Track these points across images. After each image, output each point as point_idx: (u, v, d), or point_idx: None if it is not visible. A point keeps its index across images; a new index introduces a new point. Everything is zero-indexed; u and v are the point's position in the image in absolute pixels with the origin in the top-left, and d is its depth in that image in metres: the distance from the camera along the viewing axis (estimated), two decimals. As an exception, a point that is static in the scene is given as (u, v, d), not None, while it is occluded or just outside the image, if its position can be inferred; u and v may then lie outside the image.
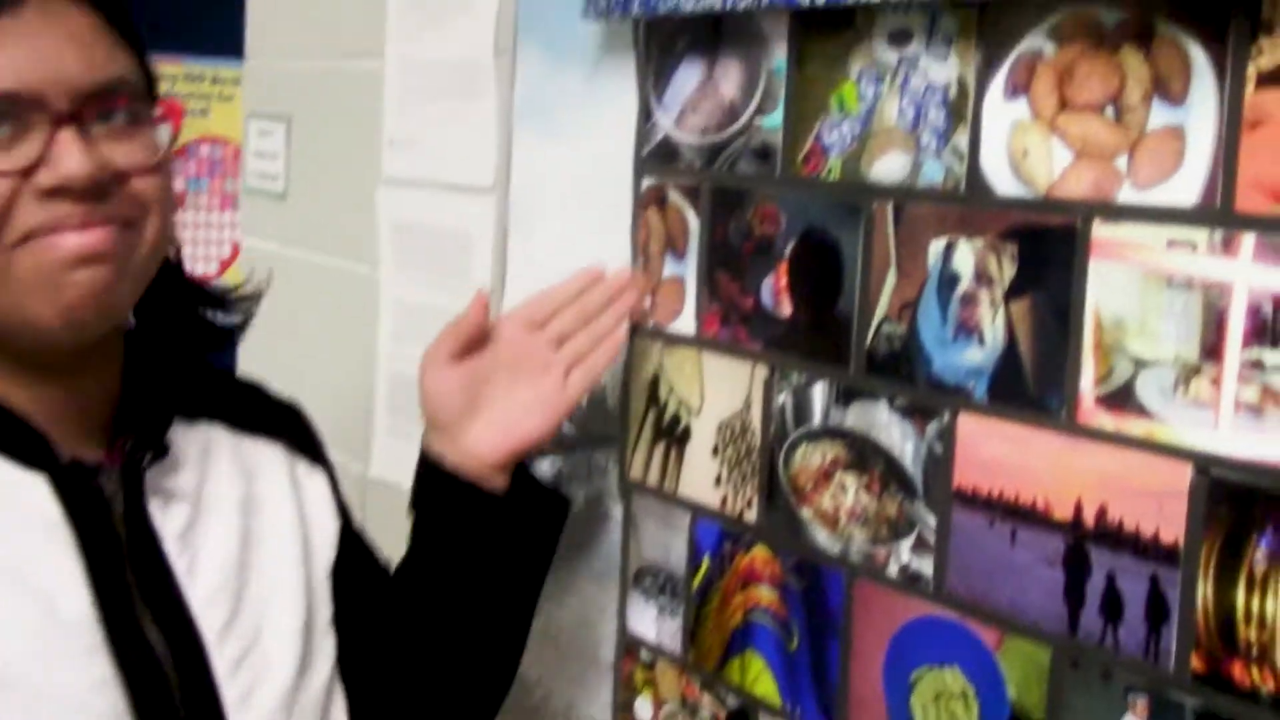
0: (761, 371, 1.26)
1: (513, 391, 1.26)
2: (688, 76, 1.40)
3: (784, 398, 1.30)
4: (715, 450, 1.36)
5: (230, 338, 1.19)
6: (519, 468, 1.27)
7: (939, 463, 1.17)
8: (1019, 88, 1.09)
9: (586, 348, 1.30)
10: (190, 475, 1.07)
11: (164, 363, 1.12)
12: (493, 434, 1.24)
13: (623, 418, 1.39)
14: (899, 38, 1.19)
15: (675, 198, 1.41)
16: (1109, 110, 1.04)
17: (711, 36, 1.37)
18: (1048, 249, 1.08)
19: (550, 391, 1.27)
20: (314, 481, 1.21)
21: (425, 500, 1.26)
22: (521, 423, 1.25)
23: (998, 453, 1.12)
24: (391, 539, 1.31)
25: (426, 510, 1.26)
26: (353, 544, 1.24)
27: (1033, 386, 1.10)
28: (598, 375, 1.31)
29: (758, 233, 1.33)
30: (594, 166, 1.51)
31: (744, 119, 1.34)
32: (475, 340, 1.26)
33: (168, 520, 1.04)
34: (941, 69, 1.15)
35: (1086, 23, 1.05)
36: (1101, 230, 1.04)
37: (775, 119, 1.30)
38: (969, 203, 1.13)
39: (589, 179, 1.52)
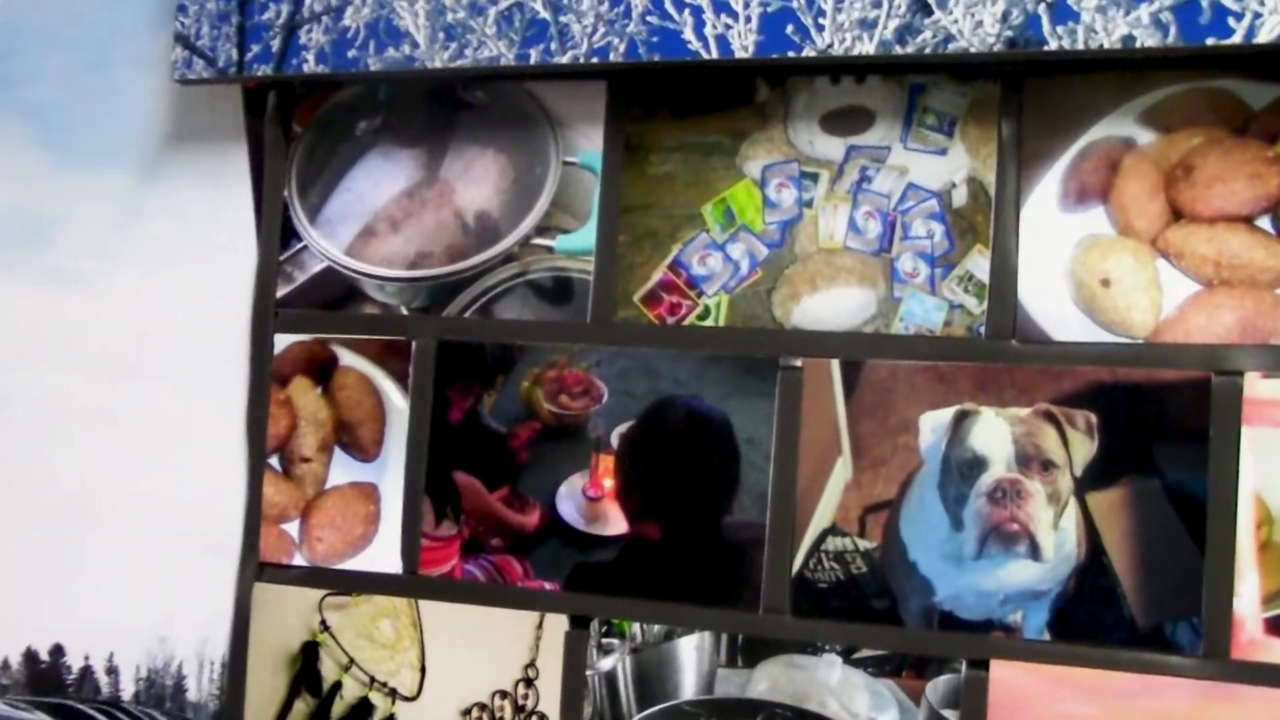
0: (557, 624, 0.78)
1: None
2: (379, 175, 0.90)
3: (614, 661, 0.82)
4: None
5: None
6: None
7: (954, 746, 0.77)
8: (1089, 191, 0.78)
9: None
10: None
11: None
12: None
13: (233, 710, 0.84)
14: (847, 119, 0.82)
15: (355, 363, 0.88)
16: (1264, 222, 0.75)
17: (437, 113, 0.89)
18: (1159, 415, 0.75)
19: None
20: None
21: None
22: None
23: (1070, 714, 0.75)
24: None
25: None
26: None
27: (1139, 614, 0.75)
28: None
29: (546, 412, 0.85)
30: (152, 325, 0.93)
31: (511, 239, 0.86)
32: None
33: None
34: (935, 165, 0.80)
35: (1214, 101, 0.76)
36: (1263, 387, 0.74)
37: (580, 239, 0.85)
38: (998, 356, 0.78)
39: (137, 345, 0.93)
